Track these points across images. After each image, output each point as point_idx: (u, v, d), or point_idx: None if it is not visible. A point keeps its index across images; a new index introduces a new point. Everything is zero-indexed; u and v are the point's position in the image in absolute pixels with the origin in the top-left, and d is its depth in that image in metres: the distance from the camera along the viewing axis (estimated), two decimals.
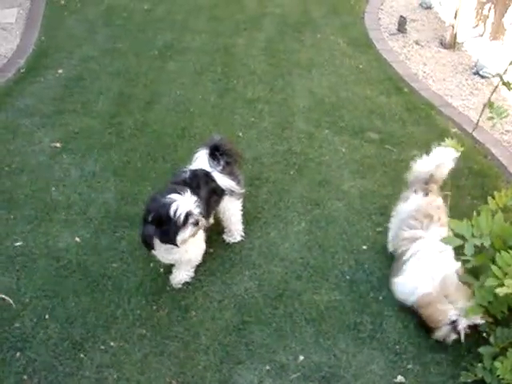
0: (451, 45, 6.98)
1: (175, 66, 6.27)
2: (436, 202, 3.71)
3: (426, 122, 5.51)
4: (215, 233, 4.05)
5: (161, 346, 3.34)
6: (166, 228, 3.25)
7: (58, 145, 4.93)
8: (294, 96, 5.79)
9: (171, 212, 3.19)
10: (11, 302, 3.54)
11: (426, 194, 3.73)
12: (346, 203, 4.39)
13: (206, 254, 3.87)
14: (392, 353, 3.35)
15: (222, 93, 5.79)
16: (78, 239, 4.01)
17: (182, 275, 3.67)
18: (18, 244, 3.96)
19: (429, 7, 8.15)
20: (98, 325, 3.43)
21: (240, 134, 5.16)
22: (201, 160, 3.72)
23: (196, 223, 3.29)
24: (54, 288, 3.65)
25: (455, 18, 6.74)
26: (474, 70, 6.46)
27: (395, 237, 3.81)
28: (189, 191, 3.29)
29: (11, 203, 4.30)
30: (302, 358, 3.29)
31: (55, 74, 6.03)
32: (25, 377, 3.16)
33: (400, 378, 3.22)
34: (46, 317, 3.46)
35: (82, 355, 3.27)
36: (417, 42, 7.17)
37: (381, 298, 3.65)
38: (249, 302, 3.59)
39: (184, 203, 3.22)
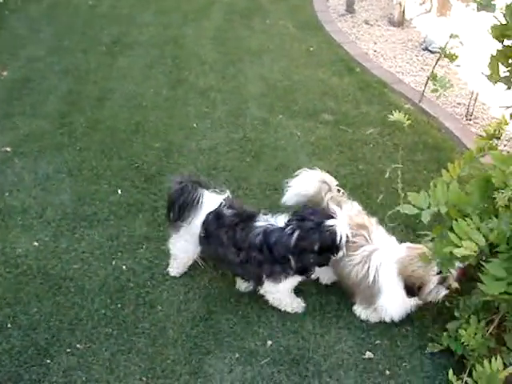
0: (400, 22, 7.05)
1: (125, 61, 6.19)
2: (353, 208, 3.56)
3: (379, 99, 5.55)
4: None
5: (128, 343, 3.29)
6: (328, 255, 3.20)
7: (8, 149, 4.81)
8: (246, 83, 5.78)
9: (337, 239, 3.11)
10: None
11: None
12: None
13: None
14: (359, 330, 3.37)
15: (173, 85, 5.74)
16: (36, 243, 3.93)
17: None
18: None
19: None
20: (63, 328, 3.37)
21: (194, 125, 5.12)
22: None
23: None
24: (14, 295, 3.56)
25: None
26: (423, 46, 6.54)
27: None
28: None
29: None
30: (270, 342, 3.29)
31: (0, 77, 5.88)
32: None
33: (369, 354, 3.25)
34: (8, 325, 3.37)
35: (48, 361, 3.20)
36: (366, 22, 7.21)
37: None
38: (214, 292, 3.58)
39: (342, 225, 3.13)
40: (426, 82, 3.71)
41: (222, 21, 7.08)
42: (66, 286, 3.62)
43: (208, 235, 3.34)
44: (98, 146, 4.86)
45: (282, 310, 3.46)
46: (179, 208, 3.36)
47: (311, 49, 6.46)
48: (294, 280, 3.35)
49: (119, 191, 4.36)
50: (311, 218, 3.13)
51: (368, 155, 4.75)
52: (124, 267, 3.75)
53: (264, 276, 3.29)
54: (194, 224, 3.36)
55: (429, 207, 3.06)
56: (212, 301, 3.52)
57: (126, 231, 4.01)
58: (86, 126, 5.11)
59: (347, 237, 3.14)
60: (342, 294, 3.55)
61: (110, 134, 5.02)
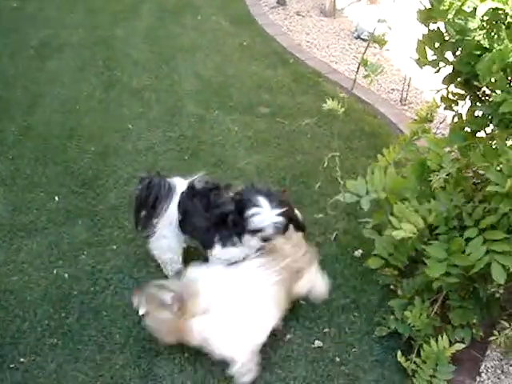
0: (331, 12, 7.12)
1: (55, 65, 6.04)
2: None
3: (315, 90, 5.59)
4: (116, 228, 3.97)
5: (75, 352, 3.21)
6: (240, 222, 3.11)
7: None
8: (181, 81, 5.73)
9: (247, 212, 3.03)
10: None
11: None
12: (243, 180, 4.34)
13: (110, 252, 3.80)
14: (307, 320, 3.39)
15: (106, 87, 5.64)
16: None
17: None
18: None
19: None
20: (5, 343, 3.26)
21: (130, 126, 5.05)
22: None
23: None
24: None
25: None
26: (355, 35, 6.63)
27: None
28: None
29: None
30: None
31: None
32: None
33: (317, 343, 3.27)
34: None
35: None
36: (297, 13, 7.26)
37: None
38: None
39: (266, 213, 3.02)
40: (358, 69, 3.75)
41: (153, 19, 7.00)
42: (6, 299, 3.50)
43: (185, 213, 3.30)
44: (32, 153, 4.73)
45: None
46: (152, 203, 3.31)
47: (244, 43, 6.46)
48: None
49: (56, 198, 4.26)
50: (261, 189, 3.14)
51: (306, 146, 4.78)
52: (66, 275, 3.66)
53: (215, 239, 3.26)
54: (170, 213, 3.31)
55: (367, 193, 3.10)
56: None
57: (66, 238, 3.92)
58: (17, 134, 4.95)
59: (267, 233, 3.07)
60: None
61: (43, 140, 4.88)
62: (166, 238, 3.42)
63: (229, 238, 3.22)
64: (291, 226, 3.21)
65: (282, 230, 3.09)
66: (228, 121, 5.10)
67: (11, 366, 3.15)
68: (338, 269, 3.70)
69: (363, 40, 6.51)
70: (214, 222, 3.22)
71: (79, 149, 4.76)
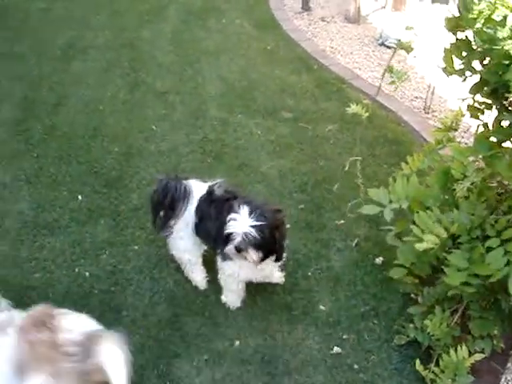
0: (356, 18, 7.10)
1: (80, 66, 6.09)
2: None
3: (338, 96, 5.58)
4: (137, 229, 4.00)
5: None
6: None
7: None
8: (205, 84, 5.75)
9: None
10: None
11: None
12: (266, 184, 4.40)
13: (131, 252, 3.82)
14: (326, 326, 3.39)
15: (131, 88, 5.67)
16: None
17: None
18: None
19: None
20: None
21: (153, 128, 5.08)
22: None
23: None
24: None
25: None
26: (379, 42, 6.60)
27: None
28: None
29: None
30: (238, 343, 3.28)
31: None
32: None
33: (336, 349, 3.27)
34: None
35: None
36: (322, 19, 7.25)
37: (309, 273, 3.68)
38: (179, 295, 3.55)
39: (241, 221, 2.96)
40: (383, 75, 3.75)
41: (178, 22, 7.03)
42: (29, 296, 3.55)
43: (201, 217, 3.31)
44: (56, 152, 4.78)
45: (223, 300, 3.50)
46: (170, 205, 3.32)
47: (268, 47, 6.47)
48: (241, 270, 3.27)
49: (79, 197, 4.30)
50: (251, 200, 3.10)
51: (328, 151, 4.78)
52: (87, 274, 3.70)
53: (219, 250, 3.27)
54: (186, 216, 3.33)
55: (390, 203, 3.09)
56: (178, 303, 3.50)
57: (88, 237, 3.96)
58: (42, 133, 5.01)
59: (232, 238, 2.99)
60: (307, 292, 3.57)
61: (67, 139, 4.93)
62: (182, 239, 3.44)
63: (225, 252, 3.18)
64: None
65: (255, 243, 2.96)
66: (251, 124, 5.10)
67: None
68: (358, 275, 3.70)
69: (387, 47, 6.49)
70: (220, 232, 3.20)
71: (103, 149, 4.79)
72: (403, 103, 5.46)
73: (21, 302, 3.45)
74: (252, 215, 2.94)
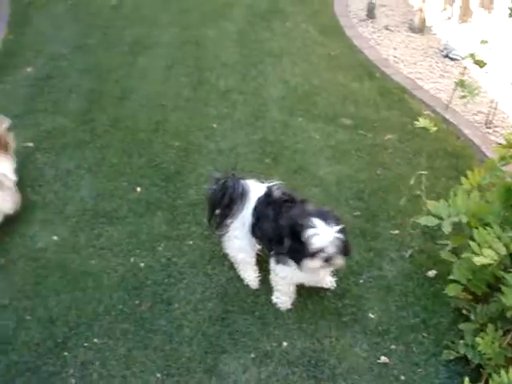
0: (420, 29, 7.03)
1: (146, 61, 6.22)
2: None
3: (399, 105, 5.54)
4: (193, 224, 4.06)
5: (145, 339, 3.33)
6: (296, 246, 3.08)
7: (30, 144, 4.87)
8: (267, 85, 5.79)
9: (304, 234, 2.99)
10: None
11: None
12: (322, 189, 4.41)
13: (186, 247, 3.89)
14: (374, 334, 3.38)
15: (194, 86, 5.76)
16: (56, 238, 3.98)
17: None
18: None
19: None
20: (81, 322, 3.41)
21: (214, 126, 5.15)
22: None
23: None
24: (34, 288, 3.62)
25: (423, 2, 6.80)
26: (443, 53, 6.52)
27: None
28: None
29: None
30: (285, 344, 3.31)
31: (24, 73, 5.94)
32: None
33: (383, 359, 3.26)
34: (27, 317, 3.44)
35: (65, 353, 3.25)
36: (386, 27, 7.20)
37: (361, 281, 3.68)
38: (231, 292, 3.60)
39: (324, 237, 2.98)
40: (455, 89, 3.72)
41: (243, 22, 7.10)
42: (85, 281, 3.67)
43: (258, 218, 3.34)
44: (119, 143, 4.91)
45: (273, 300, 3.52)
46: (227, 204, 3.38)
47: (332, 53, 6.47)
48: (294, 274, 3.29)
49: (138, 189, 4.41)
50: (315, 209, 3.14)
51: (387, 160, 4.76)
52: (142, 264, 3.79)
53: (273, 253, 3.32)
54: (243, 215, 3.38)
55: (449, 216, 3.07)
56: (229, 301, 3.54)
57: (145, 229, 4.05)
58: (107, 124, 5.15)
59: (328, 253, 3.01)
60: (358, 299, 3.57)
61: (130, 132, 5.06)
62: (237, 238, 3.48)
63: (283, 257, 3.25)
64: None
65: (341, 249, 3.02)
66: (311, 129, 5.12)
67: (85, 344, 3.31)
68: (410, 287, 3.67)
69: (451, 59, 6.40)
70: (277, 236, 3.25)
71: (164, 143, 4.89)
72: (464, 117, 5.37)
73: (77, 286, 3.60)
74: (328, 223, 2.98)
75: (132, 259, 3.83)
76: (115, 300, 3.55)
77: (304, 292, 3.56)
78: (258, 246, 3.58)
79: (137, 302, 3.54)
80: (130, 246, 3.92)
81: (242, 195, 3.36)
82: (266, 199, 3.35)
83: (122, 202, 4.28)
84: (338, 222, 3.03)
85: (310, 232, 2.97)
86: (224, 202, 3.39)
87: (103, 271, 3.75)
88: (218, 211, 3.50)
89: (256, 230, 3.40)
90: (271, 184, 3.45)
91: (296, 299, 3.52)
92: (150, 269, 3.76)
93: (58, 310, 3.49)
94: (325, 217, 3.02)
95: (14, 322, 3.42)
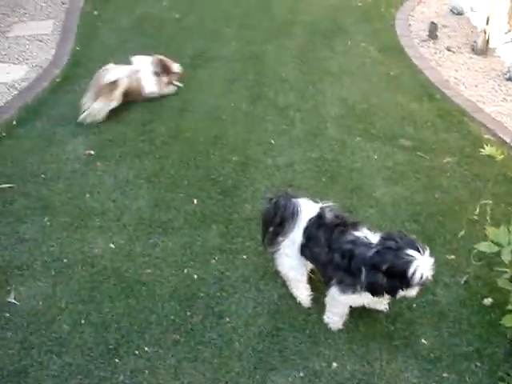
0: (483, 50, 6.93)
1: (207, 74, 6.33)
2: None
3: (459, 128, 5.46)
4: (248, 239, 4.09)
5: (194, 351, 3.35)
6: (396, 283, 3.08)
7: (92, 152, 5.00)
8: (326, 103, 5.80)
9: (410, 271, 2.96)
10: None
11: None
12: (378, 210, 4.37)
13: (240, 261, 3.91)
14: (426, 361, 3.32)
15: (253, 100, 5.82)
16: (112, 245, 4.06)
17: None
18: (53, 250, 4.02)
19: (460, 13, 8.10)
20: (133, 330, 3.47)
21: (272, 141, 5.18)
22: None
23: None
24: (89, 293, 3.70)
25: (487, 23, 6.70)
26: (506, 76, 6.40)
27: None
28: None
29: (47, 210, 4.37)
30: (335, 365, 3.28)
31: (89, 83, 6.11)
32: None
33: None
34: (82, 322, 3.51)
35: (116, 360, 3.31)
36: (448, 48, 7.12)
37: (414, 305, 3.62)
38: (282, 309, 3.59)
39: (425, 265, 2.98)
40: None
41: (304, 40, 7.14)
42: (138, 290, 3.73)
43: (308, 238, 3.34)
44: (177, 155, 4.99)
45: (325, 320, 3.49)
46: (278, 223, 3.40)
47: (391, 73, 6.43)
48: (358, 300, 3.31)
49: (195, 201, 4.46)
50: (397, 239, 3.06)
51: (444, 184, 4.68)
52: (195, 276, 3.83)
53: (334, 281, 3.27)
54: (295, 235, 3.37)
55: (509, 244, 3.00)
56: (280, 317, 3.54)
57: (200, 241, 4.10)
58: (166, 135, 5.25)
59: (426, 278, 3.00)
60: (410, 323, 3.51)
61: (189, 144, 5.14)
62: (288, 256, 3.48)
63: (350, 285, 3.21)
64: None
65: None
66: (369, 148, 5.09)
67: (136, 352, 3.35)
68: (464, 314, 3.59)
69: None
70: (336, 261, 3.22)
71: (221, 157, 4.95)
72: None
73: (131, 294, 3.67)
74: (421, 251, 2.98)
75: (185, 270, 3.87)
76: (167, 310, 3.59)
77: (355, 313, 3.52)
78: (310, 266, 3.57)
79: (188, 313, 3.58)
80: (184, 258, 3.97)
81: (293, 214, 3.37)
82: (318, 221, 3.34)
83: (178, 214, 4.34)
84: (420, 244, 3.03)
85: (412, 267, 2.95)
86: (276, 221, 3.42)
87: (157, 281, 3.80)
88: (271, 229, 3.51)
89: (306, 250, 3.40)
90: (325, 205, 3.44)
91: (347, 320, 3.49)
92: (203, 281, 3.79)
93: (112, 316, 3.55)
94: (414, 245, 3.00)
95: (69, 325, 3.50)
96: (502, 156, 3.53)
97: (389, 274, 3.02)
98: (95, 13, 7.86)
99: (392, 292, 3.12)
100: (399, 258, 2.97)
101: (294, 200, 3.42)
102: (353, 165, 4.89)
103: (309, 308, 3.58)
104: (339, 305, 3.38)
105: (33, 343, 3.39)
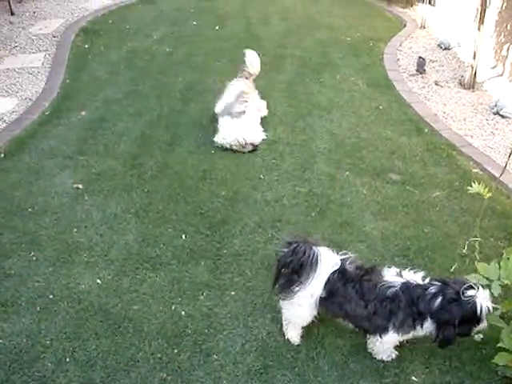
0: (470, 85, 7.01)
1: (196, 108, 6.35)
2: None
3: (447, 162, 5.50)
4: (236, 275, 4.05)
5: None
6: (469, 326, 3.16)
7: (80, 186, 4.97)
8: (315, 137, 5.82)
9: (478, 311, 3.05)
10: None
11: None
12: (368, 245, 4.35)
13: (228, 297, 3.87)
14: None
15: None
16: (99, 281, 4.01)
17: None
18: (39, 285, 3.95)
19: (447, 48, 8.22)
20: (119, 368, 3.39)
21: (261, 176, 5.18)
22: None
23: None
24: (74, 330, 3.63)
25: (474, 58, 6.79)
26: (494, 110, 6.47)
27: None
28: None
29: (34, 244, 4.32)
30: None
31: (78, 116, 6.13)
32: None
33: None
34: (67, 359, 3.44)
35: None
36: (436, 83, 7.21)
37: (404, 341, 3.58)
38: (271, 346, 3.54)
39: (484, 298, 3.07)
40: (510, 154, 3.67)
41: (294, 74, 7.21)
42: (125, 326, 3.67)
43: (331, 294, 3.28)
44: (166, 189, 4.96)
45: (378, 357, 3.47)
46: (295, 271, 3.28)
47: (380, 107, 6.48)
48: (407, 336, 3.34)
49: (183, 236, 4.42)
50: (452, 284, 3.11)
51: (434, 218, 4.68)
52: (183, 313, 3.77)
53: (391, 326, 3.24)
54: (313, 287, 3.28)
55: (499, 279, 2.99)
56: (268, 355, 3.48)
57: (188, 277, 4.05)
58: (155, 170, 5.24)
59: (488, 309, 3.05)
60: (400, 360, 3.47)
61: (177, 178, 5.12)
62: (300, 306, 3.38)
63: (410, 327, 3.25)
64: None
65: None
66: (358, 183, 5.10)
67: None
68: (455, 350, 3.54)
69: (502, 116, 6.35)
70: (381, 311, 3.22)
71: (210, 192, 4.93)
72: None
73: (117, 331, 3.61)
74: (475, 287, 3.05)
75: (173, 307, 3.81)
76: (154, 347, 3.52)
77: (345, 350, 3.49)
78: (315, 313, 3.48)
79: (176, 350, 3.52)
80: (172, 294, 3.91)
81: (312, 263, 3.25)
82: (342, 277, 3.29)
83: (167, 249, 4.30)
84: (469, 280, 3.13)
85: (478, 307, 3.03)
86: (293, 267, 3.28)
87: (144, 317, 3.74)
88: (286, 276, 3.37)
89: (328, 304, 3.35)
90: (344, 257, 3.37)
91: (337, 357, 3.45)
92: (191, 318, 3.73)
93: (97, 353, 3.48)
94: (467, 284, 3.07)
95: (53, 363, 3.41)
96: (489, 194, 3.53)
97: (461, 323, 3.09)
98: (86, 46, 7.92)
99: (467, 335, 3.22)
100: (466, 306, 3.04)
101: (314, 248, 3.29)
102: (342, 199, 4.88)
103: (298, 345, 3.53)
104: (392, 344, 3.40)
105: (15, 383, 3.30)
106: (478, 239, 3.80)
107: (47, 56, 7.63)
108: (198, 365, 3.44)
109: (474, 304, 3.01)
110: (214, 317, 3.74)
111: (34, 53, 7.76)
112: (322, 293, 3.28)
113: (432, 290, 3.15)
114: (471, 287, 3.03)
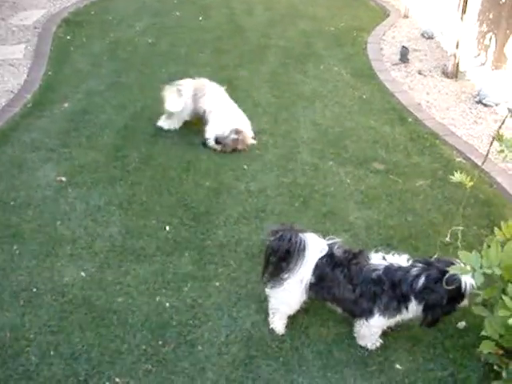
0: (453, 74, 7.04)
1: None
2: None
3: (431, 151, 5.52)
4: (221, 266, 4.05)
5: (167, 381, 3.28)
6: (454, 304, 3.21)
7: (63, 179, 4.93)
8: (298, 127, 5.83)
9: (462, 288, 3.10)
10: None
11: None
12: (351, 234, 4.37)
13: (212, 288, 3.87)
14: None
15: None
16: (83, 274, 3.99)
17: None
18: (22, 279, 3.93)
19: (430, 37, 8.25)
20: (103, 360, 3.39)
21: (245, 167, 5.17)
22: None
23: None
24: (58, 323, 3.61)
25: (457, 47, 6.81)
26: (476, 99, 6.50)
27: None
28: None
29: (16, 238, 4.28)
30: None
31: (61, 108, 6.07)
32: None
33: None
34: (51, 353, 3.42)
35: None
36: (419, 72, 7.23)
37: (388, 330, 3.60)
38: (255, 336, 3.55)
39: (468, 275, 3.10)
40: (491, 143, 3.68)
41: (277, 64, 7.19)
42: (109, 319, 3.66)
43: (320, 279, 3.30)
44: (149, 181, 4.94)
45: (362, 343, 3.50)
46: (283, 259, 3.29)
47: (364, 96, 6.49)
48: (394, 320, 3.35)
49: (167, 227, 4.41)
50: (436, 264, 3.17)
51: (417, 207, 4.71)
52: (167, 304, 3.77)
53: (377, 309, 3.27)
54: (302, 273, 3.29)
55: (481, 268, 3.00)
56: (253, 345, 3.49)
57: (172, 268, 4.04)
58: (138, 161, 5.21)
59: (472, 285, 3.08)
60: (384, 349, 3.49)
61: (161, 170, 5.10)
62: (290, 293, 3.39)
63: (395, 310, 3.27)
64: None
65: None
66: (342, 173, 5.11)
67: (107, 383, 3.26)
68: (438, 338, 3.58)
69: (485, 105, 6.38)
70: (370, 294, 3.25)
71: (194, 183, 4.92)
72: (497, 164, 5.31)
73: (101, 323, 3.60)
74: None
75: (158, 298, 3.81)
76: (139, 339, 3.52)
77: (329, 339, 3.51)
78: (304, 300, 3.49)
79: (160, 342, 3.51)
80: (156, 285, 3.91)
81: (300, 250, 3.26)
82: (331, 261, 3.30)
83: (151, 240, 4.29)
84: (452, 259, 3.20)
85: (463, 285, 3.08)
86: (280, 255, 3.30)
87: (128, 309, 3.73)
88: (274, 264, 3.39)
89: (317, 290, 3.37)
90: (331, 242, 3.38)
91: (321, 346, 3.47)
92: (175, 309, 3.73)
93: (82, 346, 3.47)
94: (450, 262, 3.13)
95: (37, 356, 3.40)
96: (471, 183, 3.54)
97: (447, 302, 3.14)
98: (68, 37, 7.84)
99: (451, 312, 3.26)
100: (451, 283, 3.07)
101: (300, 235, 3.30)
102: (326, 189, 4.89)
103: (282, 335, 3.54)
104: (378, 329, 3.41)
105: None
106: (461, 228, 3.82)
107: (29, 47, 7.53)
108: (182, 356, 3.44)
109: (459, 282, 3.05)
110: (198, 308, 3.74)
111: (15, 44, 7.65)
112: (311, 278, 3.30)
113: (414, 271, 3.18)
114: (452, 264, 3.07)
